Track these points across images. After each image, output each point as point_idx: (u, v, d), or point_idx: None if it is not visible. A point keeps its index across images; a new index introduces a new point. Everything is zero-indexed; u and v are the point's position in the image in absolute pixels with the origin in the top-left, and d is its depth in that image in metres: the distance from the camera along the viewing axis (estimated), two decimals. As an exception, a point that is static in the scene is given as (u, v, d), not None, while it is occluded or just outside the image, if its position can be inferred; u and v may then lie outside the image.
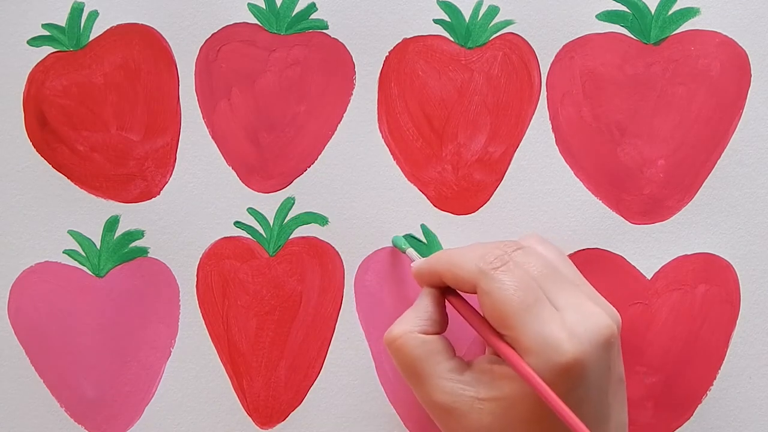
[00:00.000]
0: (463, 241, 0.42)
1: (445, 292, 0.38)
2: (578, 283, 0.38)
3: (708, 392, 0.41)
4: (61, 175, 0.43)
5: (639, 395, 0.41)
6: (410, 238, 0.42)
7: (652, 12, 0.42)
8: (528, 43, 0.42)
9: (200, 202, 0.43)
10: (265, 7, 0.42)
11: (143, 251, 0.43)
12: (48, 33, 0.43)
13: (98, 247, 0.43)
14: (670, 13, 0.42)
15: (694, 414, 0.41)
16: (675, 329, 0.42)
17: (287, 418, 0.42)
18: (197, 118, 0.43)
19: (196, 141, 0.43)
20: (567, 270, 0.38)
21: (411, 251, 0.41)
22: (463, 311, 0.37)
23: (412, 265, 0.39)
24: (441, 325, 0.37)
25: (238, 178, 0.43)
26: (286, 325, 0.43)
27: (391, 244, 0.42)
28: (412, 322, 0.37)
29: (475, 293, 0.35)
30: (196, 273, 0.43)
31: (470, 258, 0.35)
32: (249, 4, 0.42)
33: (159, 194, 0.43)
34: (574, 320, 0.34)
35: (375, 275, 0.42)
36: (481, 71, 0.42)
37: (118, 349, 0.43)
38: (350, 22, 0.42)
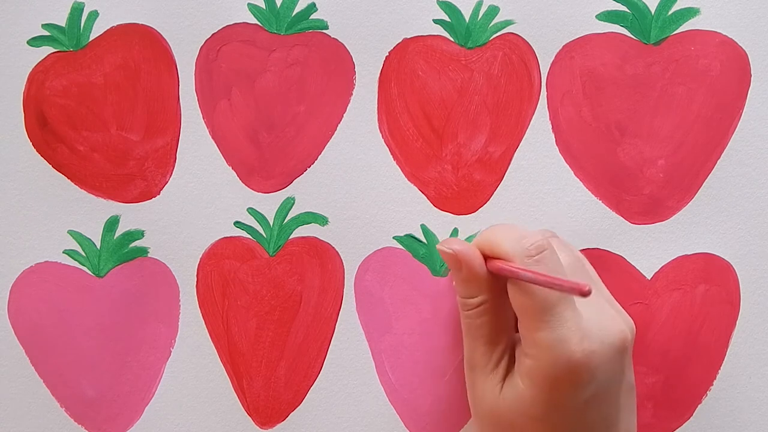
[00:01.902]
0: (463, 241, 0.42)
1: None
2: (598, 286, 0.38)
3: (708, 392, 0.41)
4: (61, 175, 0.43)
5: (639, 395, 0.41)
6: (410, 238, 0.42)
7: (652, 12, 0.42)
8: (528, 43, 0.42)
9: (200, 202, 0.43)
10: (265, 7, 0.42)
11: (143, 251, 0.43)
12: (48, 33, 0.43)
13: (98, 247, 0.43)
14: (670, 13, 0.42)
15: (694, 414, 0.41)
16: (675, 329, 0.42)
17: (287, 418, 0.42)
18: (197, 118, 0.43)
19: (196, 141, 0.43)
20: (589, 269, 0.39)
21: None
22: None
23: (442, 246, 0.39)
24: None
25: (238, 178, 0.43)
26: (286, 325, 0.43)
27: (390, 245, 0.42)
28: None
29: None
30: (196, 273, 0.43)
31: (509, 237, 0.36)
32: (249, 4, 0.42)
33: (159, 194, 0.43)
34: (591, 321, 0.34)
35: (375, 275, 0.42)
36: (481, 71, 0.42)
37: (118, 349, 0.43)
38: (350, 22, 0.42)
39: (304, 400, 0.42)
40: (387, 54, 0.42)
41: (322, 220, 0.42)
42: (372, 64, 0.42)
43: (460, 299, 0.37)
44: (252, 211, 0.43)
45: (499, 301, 0.36)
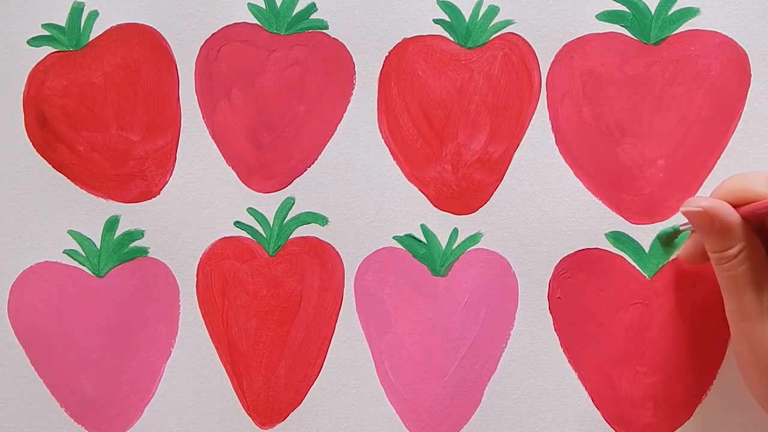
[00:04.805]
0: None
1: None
2: None
3: (708, 392, 0.41)
4: (61, 175, 0.43)
5: (639, 395, 0.41)
6: (410, 238, 0.42)
7: (652, 12, 0.42)
8: (528, 43, 0.42)
9: (200, 202, 0.43)
10: (265, 7, 0.42)
11: (143, 251, 0.43)
12: (48, 33, 0.43)
13: (98, 247, 0.43)
14: (670, 13, 0.42)
15: (694, 414, 0.41)
16: (675, 329, 0.42)
17: (287, 418, 0.42)
18: (197, 118, 0.43)
19: (196, 141, 0.43)
20: None
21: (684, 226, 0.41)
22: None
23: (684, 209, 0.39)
24: None
25: (238, 178, 0.43)
26: (286, 325, 0.43)
27: (390, 245, 0.42)
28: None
29: None
30: (196, 273, 0.43)
31: (759, 179, 0.37)
32: (249, 4, 0.42)
33: (159, 194, 0.43)
34: None
35: (375, 275, 0.42)
36: (481, 71, 0.42)
37: (118, 349, 0.43)
38: (350, 22, 0.42)
39: (304, 400, 0.42)
40: (387, 54, 0.42)
41: (322, 220, 0.42)
42: (372, 64, 0.42)
43: (715, 255, 0.38)
44: (252, 211, 0.43)
45: (754, 245, 0.37)
